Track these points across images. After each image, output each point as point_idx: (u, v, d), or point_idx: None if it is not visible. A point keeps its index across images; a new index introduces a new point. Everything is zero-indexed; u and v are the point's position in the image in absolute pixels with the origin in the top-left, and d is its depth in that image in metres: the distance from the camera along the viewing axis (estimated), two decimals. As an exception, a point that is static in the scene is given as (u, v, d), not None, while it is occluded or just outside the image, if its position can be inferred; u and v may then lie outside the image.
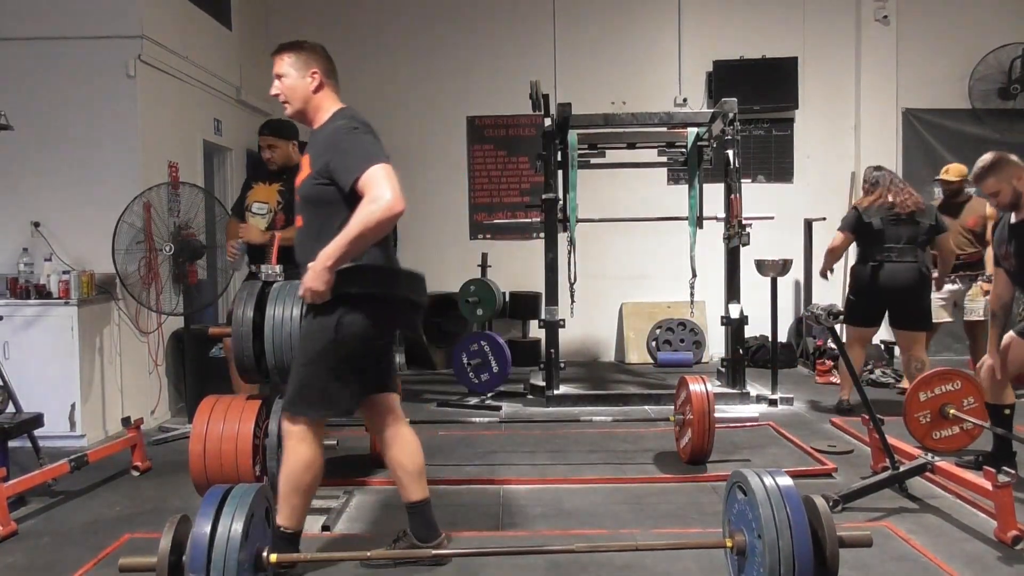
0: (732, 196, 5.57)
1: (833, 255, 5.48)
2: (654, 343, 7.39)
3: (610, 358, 7.78)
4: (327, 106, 2.77)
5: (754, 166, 7.68)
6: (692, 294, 5.76)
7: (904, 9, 7.56)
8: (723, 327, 5.85)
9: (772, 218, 6.04)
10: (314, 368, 2.64)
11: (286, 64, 2.74)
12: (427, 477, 3.56)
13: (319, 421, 2.72)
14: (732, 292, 5.76)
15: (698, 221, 5.76)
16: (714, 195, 6.18)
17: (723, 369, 5.87)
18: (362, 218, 2.44)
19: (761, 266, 5.64)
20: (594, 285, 7.14)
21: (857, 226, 5.24)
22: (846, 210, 6.28)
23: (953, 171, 5.81)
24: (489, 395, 5.95)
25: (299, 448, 2.67)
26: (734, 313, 5.65)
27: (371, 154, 2.53)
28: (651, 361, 7.28)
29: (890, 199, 5.16)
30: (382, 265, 2.69)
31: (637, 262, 7.69)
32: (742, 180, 5.67)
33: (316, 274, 2.50)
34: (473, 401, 5.81)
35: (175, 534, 2.13)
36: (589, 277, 6.23)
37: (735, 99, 5.43)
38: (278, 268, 3.27)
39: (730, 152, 5.52)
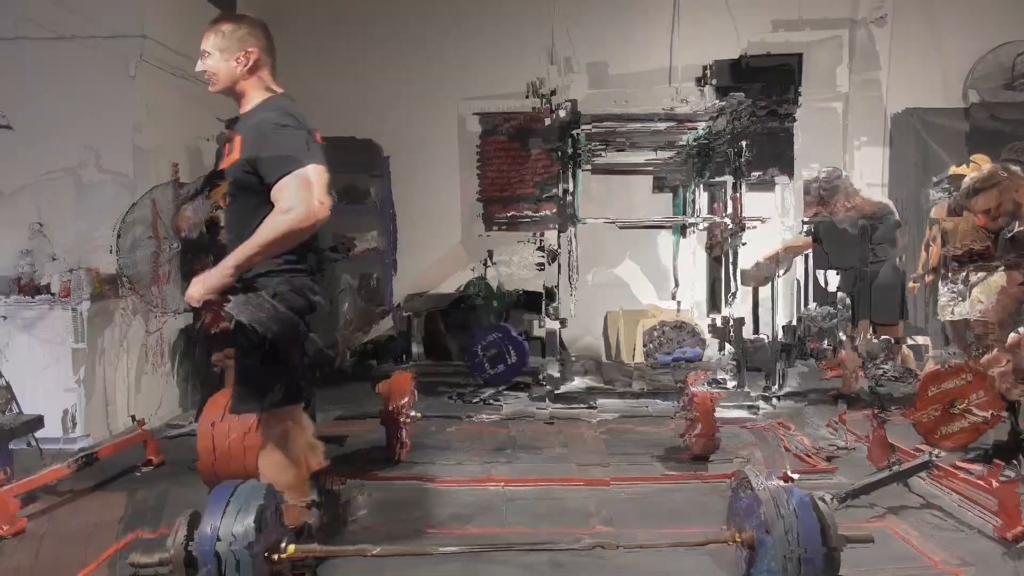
0: (735, 195, 5.57)
1: (795, 252, 5.69)
2: (653, 344, 7.38)
3: (609, 359, 7.77)
4: (258, 90, 2.58)
5: (752, 165, 7.67)
6: (675, 298, 5.79)
7: (901, 9, 7.57)
8: (722, 328, 5.85)
9: (768, 219, 6.06)
10: (247, 361, 2.57)
11: (217, 39, 2.55)
12: (430, 475, 3.61)
13: (287, 416, 2.63)
14: (731, 293, 5.75)
15: (686, 229, 5.79)
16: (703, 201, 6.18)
17: (725, 369, 5.88)
18: (269, 229, 2.33)
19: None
20: (594, 286, 7.13)
21: (828, 233, 5.31)
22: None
23: (980, 163, 5.83)
24: (503, 387, 5.94)
25: (273, 450, 2.63)
26: (732, 313, 5.66)
27: (297, 156, 2.38)
28: (651, 362, 7.28)
29: (848, 204, 5.25)
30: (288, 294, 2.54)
31: (634, 264, 7.67)
32: (741, 180, 5.68)
33: (205, 283, 2.44)
34: (482, 396, 5.78)
35: (186, 530, 2.14)
36: (588, 278, 6.24)
37: (742, 94, 5.37)
38: None
39: (736, 148, 5.51)
